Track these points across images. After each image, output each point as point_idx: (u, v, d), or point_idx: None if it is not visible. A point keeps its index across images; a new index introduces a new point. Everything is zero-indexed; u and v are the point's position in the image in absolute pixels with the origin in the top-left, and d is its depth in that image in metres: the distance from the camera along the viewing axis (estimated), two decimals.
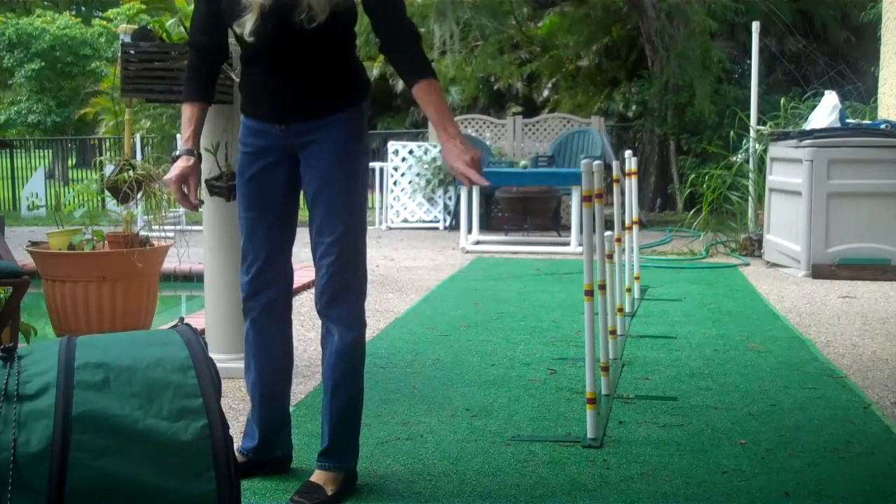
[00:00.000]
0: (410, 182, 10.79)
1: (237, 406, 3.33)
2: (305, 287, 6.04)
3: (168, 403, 1.58)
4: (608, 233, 3.59)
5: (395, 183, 10.86)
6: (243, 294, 2.59)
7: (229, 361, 3.70)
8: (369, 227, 10.89)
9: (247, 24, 2.31)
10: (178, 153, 2.48)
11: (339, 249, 2.44)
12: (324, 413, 2.53)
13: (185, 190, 2.48)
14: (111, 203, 5.10)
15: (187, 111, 2.49)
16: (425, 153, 10.79)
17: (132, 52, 3.73)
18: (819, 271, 6.46)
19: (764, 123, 8.27)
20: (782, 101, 8.58)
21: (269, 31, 2.32)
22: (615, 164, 4.80)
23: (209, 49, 2.50)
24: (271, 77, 2.43)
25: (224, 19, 2.42)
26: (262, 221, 2.51)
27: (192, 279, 6.54)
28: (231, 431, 1.72)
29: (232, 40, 2.50)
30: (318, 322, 5.15)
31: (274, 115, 2.45)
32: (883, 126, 6.76)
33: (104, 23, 22.46)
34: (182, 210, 10.06)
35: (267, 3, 2.28)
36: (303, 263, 7.17)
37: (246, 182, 2.52)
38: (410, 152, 10.87)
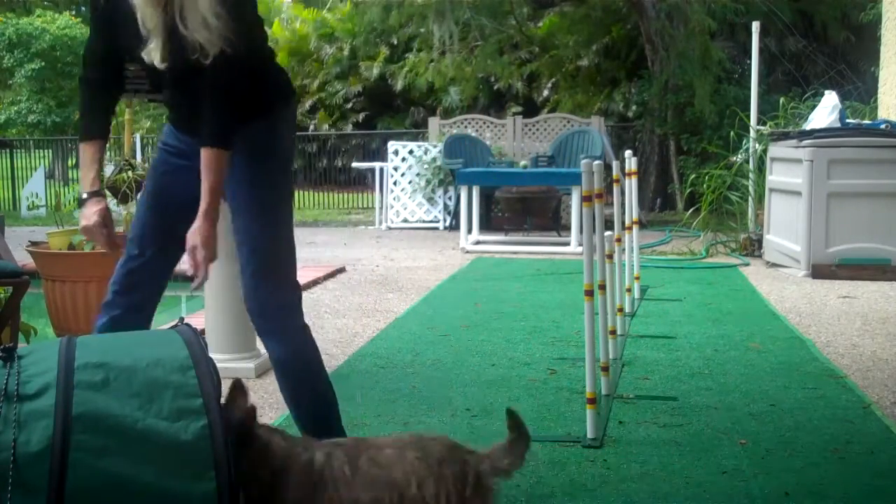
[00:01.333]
0: (410, 182, 10.79)
1: None
2: (305, 287, 6.04)
3: (168, 403, 1.58)
4: (608, 233, 3.59)
5: (395, 183, 10.86)
6: (116, 285, 2.46)
7: (229, 361, 3.70)
8: (369, 227, 10.92)
9: (154, 54, 2.25)
10: (84, 197, 2.35)
11: (259, 260, 2.40)
12: (295, 422, 2.49)
13: (106, 233, 2.38)
14: (112, 203, 5.10)
15: (88, 151, 2.37)
16: (425, 153, 10.78)
17: None
18: (819, 271, 6.46)
19: (764, 123, 8.27)
20: (782, 101, 8.58)
21: (170, 63, 2.27)
22: (615, 164, 4.80)
23: (106, 84, 2.39)
24: (181, 97, 2.41)
25: (121, 53, 2.36)
26: (160, 219, 2.42)
27: (192, 279, 6.53)
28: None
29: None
30: (319, 322, 5.16)
31: (189, 128, 2.40)
32: (883, 126, 6.76)
33: None
34: None
35: (165, 30, 2.22)
36: (304, 263, 7.18)
37: (157, 176, 2.47)
38: (410, 152, 10.87)
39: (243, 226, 2.42)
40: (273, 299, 2.43)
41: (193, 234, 2.29)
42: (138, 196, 2.46)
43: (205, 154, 2.27)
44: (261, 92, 2.41)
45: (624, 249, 4.99)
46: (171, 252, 2.47)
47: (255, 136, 2.39)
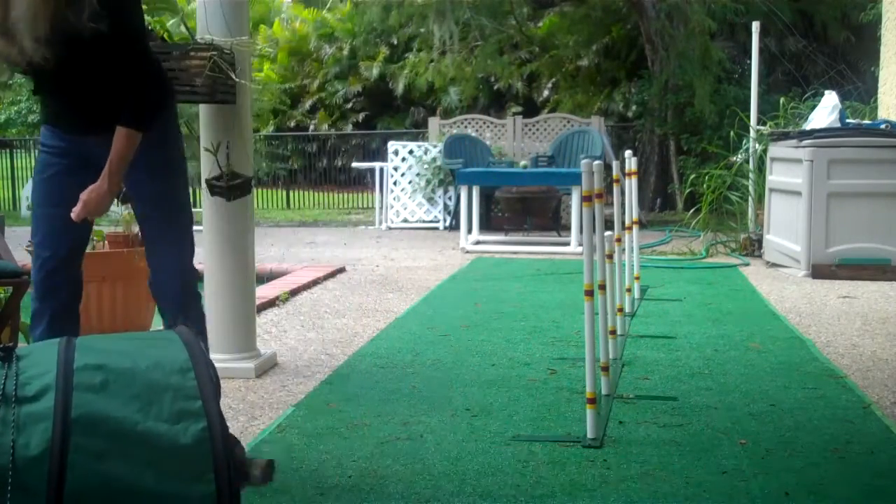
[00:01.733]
0: (410, 182, 10.79)
1: (236, 406, 3.33)
2: (305, 287, 6.04)
3: (167, 406, 1.57)
4: (608, 233, 3.59)
5: (395, 183, 10.86)
6: (38, 291, 2.61)
7: (229, 361, 3.71)
8: (369, 228, 10.92)
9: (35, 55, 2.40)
10: None
11: (180, 244, 2.74)
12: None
13: None
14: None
15: None
16: (425, 153, 10.78)
17: None
18: (819, 271, 6.46)
19: (764, 123, 8.27)
20: (782, 101, 8.58)
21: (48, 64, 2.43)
22: (615, 164, 4.80)
23: None
24: (62, 97, 2.59)
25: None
26: (62, 217, 2.57)
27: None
28: (230, 432, 1.72)
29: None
30: (319, 322, 5.15)
31: (72, 126, 2.60)
32: (883, 126, 6.76)
33: None
34: None
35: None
36: (303, 263, 7.17)
37: (47, 179, 2.62)
38: (410, 152, 10.87)
39: (147, 214, 2.70)
40: (192, 275, 2.80)
41: (86, 192, 2.53)
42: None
43: (120, 131, 2.50)
44: (162, 86, 2.67)
45: (624, 249, 4.99)
46: (81, 246, 2.72)
47: (153, 130, 2.60)
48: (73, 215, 2.52)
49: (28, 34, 2.34)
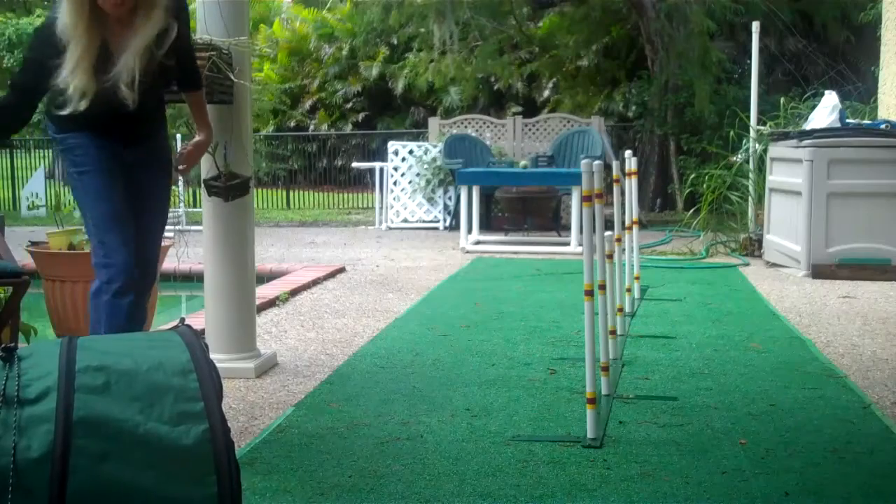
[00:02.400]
0: (410, 182, 10.79)
1: (237, 406, 3.33)
2: (305, 287, 6.04)
3: (169, 407, 1.57)
4: (608, 233, 3.59)
5: (395, 183, 10.86)
6: (126, 265, 2.84)
7: (229, 361, 3.70)
8: (369, 228, 10.93)
9: (80, 105, 2.70)
10: None
11: (158, 239, 3.12)
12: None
13: None
14: None
15: None
16: (425, 153, 10.78)
17: None
18: (819, 271, 6.46)
19: (764, 123, 8.26)
20: (782, 101, 8.58)
21: (98, 105, 2.76)
22: (615, 164, 4.80)
23: (30, 105, 2.87)
24: (111, 122, 2.85)
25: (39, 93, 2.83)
26: (125, 200, 2.91)
27: (192, 279, 6.55)
28: (231, 432, 1.72)
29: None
30: (319, 322, 5.16)
31: (118, 139, 2.90)
32: (883, 126, 6.76)
33: None
34: (182, 210, 10.06)
35: (90, 90, 2.69)
36: (303, 263, 7.17)
37: (105, 171, 2.88)
38: (410, 152, 10.87)
39: (151, 205, 3.02)
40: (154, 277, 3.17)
41: (190, 146, 3.08)
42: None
43: (197, 94, 3.14)
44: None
45: (624, 249, 4.99)
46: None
47: (166, 147, 3.09)
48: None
49: (127, 81, 2.67)
